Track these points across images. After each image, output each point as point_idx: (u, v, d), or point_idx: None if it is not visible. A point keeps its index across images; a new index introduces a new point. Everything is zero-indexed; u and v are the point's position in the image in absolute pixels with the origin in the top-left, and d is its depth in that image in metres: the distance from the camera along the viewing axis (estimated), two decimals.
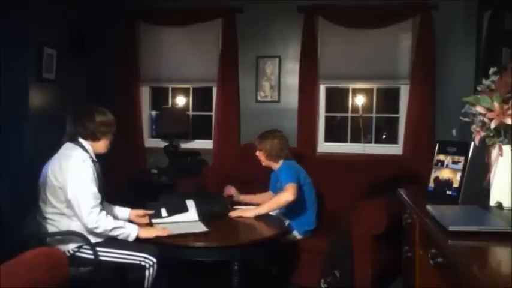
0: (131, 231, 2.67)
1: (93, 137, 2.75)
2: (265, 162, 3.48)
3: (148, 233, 2.73)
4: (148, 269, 2.62)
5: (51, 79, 4.49)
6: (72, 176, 2.59)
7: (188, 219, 3.01)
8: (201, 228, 2.85)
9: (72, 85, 4.82)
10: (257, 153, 3.48)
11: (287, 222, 3.35)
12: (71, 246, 2.65)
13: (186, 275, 3.20)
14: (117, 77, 5.03)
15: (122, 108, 4.91)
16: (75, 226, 2.65)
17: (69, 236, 2.64)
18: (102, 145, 2.80)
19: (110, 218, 2.65)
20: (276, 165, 3.46)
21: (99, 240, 2.70)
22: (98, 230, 2.60)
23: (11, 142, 4.02)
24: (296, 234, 3.40)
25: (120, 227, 2.65)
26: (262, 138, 3.46)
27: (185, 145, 5.08)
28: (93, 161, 2.73)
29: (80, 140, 2.74)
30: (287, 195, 3.18)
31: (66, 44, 4.69)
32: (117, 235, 2.64)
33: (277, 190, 3.41)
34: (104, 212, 2.63)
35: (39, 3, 4.28)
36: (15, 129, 4.08)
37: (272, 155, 3.42)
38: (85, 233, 2.64)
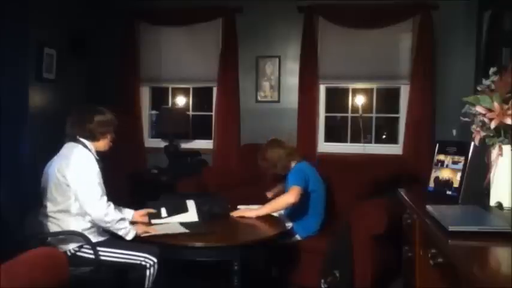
0: (131, 228, 2.74)
1: (92, 137, 2.78)
2: (279, 172, 3.47)
3: (144, 230, 2.79)
4: (149, 268, 2.62)
5: (51, 79, 4.49)
6: (78, 169, 2.63)
7: (188, 220, 3.01)
8: (199, 229, 2.86)
9: (72, 85, 4.82)
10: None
11: (290, 225, 3.35)
12: (71, 246, 2.65)
13: (186, 275, 3.20)
14: (117, 77, 5.03)
15: (121, 108, 4.91)
16: (76, 226, 2.65)
17: (70, 235, 2.65)
18: (102, 144, 2.84)
19: (116, 210, 2.74)
20: (288, 171, 3.43)
21: (100, 239, 2.70)
22: (107, 218, 2.63)
23: (11, 142, 4.01)
24: (297, 236, 3.40)
25: (126, 220, 2.76)
26: (262, 159, 3.44)
27: (185, 145, 5.08)
28: (95, 159, 2.74)
29: (82, 139, 2.76)
30: (288, 196, 3.17)
31: (66, 44, 4.69)
32: (121, 229, 2.69)
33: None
34: (111, 203, 2.70)
35: (39, 3, 4.28)
36: (15, 129, 4.07)
37: (281, 167, 3.42)
38: (86, 233, 2.64)
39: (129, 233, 2.71)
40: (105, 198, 2.67)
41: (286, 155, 3.42)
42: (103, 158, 2.85)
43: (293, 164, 3.44)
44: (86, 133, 2.76)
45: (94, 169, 2.68)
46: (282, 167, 3.42)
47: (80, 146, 2.73)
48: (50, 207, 2.68)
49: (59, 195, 2.65)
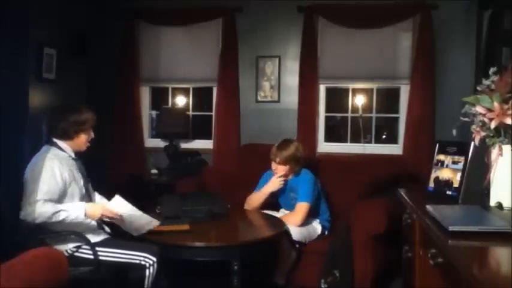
0: (77, 213, 2.59)
1: (66, 136, 2.75)
2: (288, 173, 3.43)
3: (93, 212, 2.63)
4: (148, 268, 2.62)
5: (51, 79, 4.48)
6: (31, 172, 2.60)
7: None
8: (149, 226, 2.75)
9: (72, 85, 4.82)
10: (278, 167, 3.37)
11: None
12: (69, 246, 2.65)
13: (186, 275, 3.20)
14: (117, 77, 5.02)
15: (121, 108, 4.91)
16: (74, 226, 2.65)
17: (68, 235, 2.64)
18: (78, 143, 2.80)
19: (48, 204, 2.55)
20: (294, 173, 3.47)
21: (98, 239, 2.70)
22: (38, 221, 2.52)
23: (11, 142, 4.01)
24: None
25: (63, 210, 2.55)
26: (283, 150, 3.35)
27: (185, 145, 5.08)
28: (73, 159, 2.74)
29: (55, 140, 2.75)
30: (296, 220, 3.20)
31: (66, 44, 4.69)
32: (63, 219, 2.55)
33: (291, 200, 3.42)
34: (51, 204, 2.56)
35: (39, 3, 4.27)
36: (15, 129, 4.07)
37: (300, 164, 3.41)
38: (85, 233, 2.64)
39: (77, 218, 2.58)
40: (39, 203, 2.51)
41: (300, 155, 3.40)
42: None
43: (297, 168, 3.43)
44: (59, 132, 2.74)
45: (47, 173, 2.58)
46: (299, 166, 3.39)
47: (52, 149, 2.71)
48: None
49: None
